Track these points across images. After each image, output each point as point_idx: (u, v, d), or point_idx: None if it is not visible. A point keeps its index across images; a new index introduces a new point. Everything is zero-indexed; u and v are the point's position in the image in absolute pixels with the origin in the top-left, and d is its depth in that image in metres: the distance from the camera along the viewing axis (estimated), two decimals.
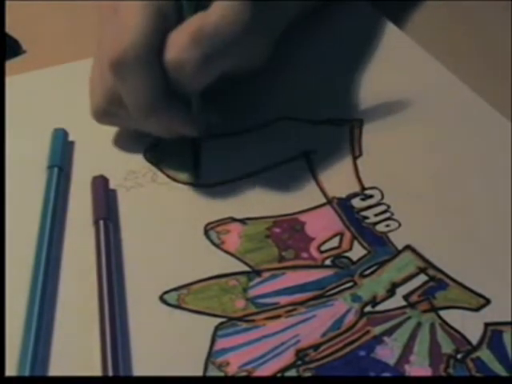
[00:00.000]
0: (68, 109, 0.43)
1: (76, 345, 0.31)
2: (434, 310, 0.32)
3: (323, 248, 0.35)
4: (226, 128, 0.41)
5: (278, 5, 0.40)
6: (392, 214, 0.36)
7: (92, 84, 0.39)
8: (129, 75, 0.34)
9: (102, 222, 0.35)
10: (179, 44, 0.34)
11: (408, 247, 0.34)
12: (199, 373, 0.30)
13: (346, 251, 0.34)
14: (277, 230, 0.36)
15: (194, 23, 0.34)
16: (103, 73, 0.36)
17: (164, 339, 0.31)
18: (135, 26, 0.34)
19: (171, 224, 0.36)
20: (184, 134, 0.38)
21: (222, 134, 0.41)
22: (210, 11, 0.35)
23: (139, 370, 0.30)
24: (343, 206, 0.37)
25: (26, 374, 0.29)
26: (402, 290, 0.32)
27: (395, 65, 0.46)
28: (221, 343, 0.31)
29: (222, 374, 0.29)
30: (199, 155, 0.39)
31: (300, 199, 0.37)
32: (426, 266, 0.33)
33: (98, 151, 0.40)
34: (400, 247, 0.34)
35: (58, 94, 0.45)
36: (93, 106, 0.39)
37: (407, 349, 0.30)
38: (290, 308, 0.32)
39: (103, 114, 0.39)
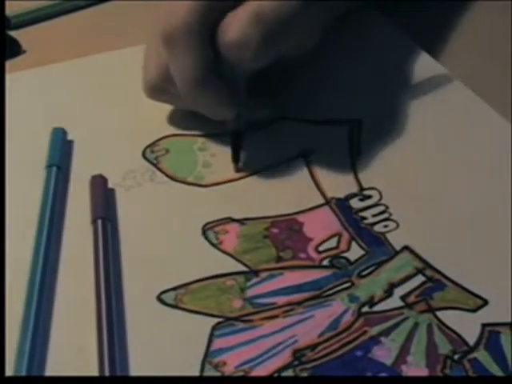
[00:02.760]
0: (67, 108, 0.43)
1: (73, 344, 0.31)
2: (432, 310, 0.32)
3: (321, 248, 0.35)
4: (225, 128, 0.41)
5: None
6: (390, 215, 0.36)
7: (146, 59, 0.40)
8: (178, 49, 0.35)
9: (100, 222, 0.35)
10: (239, 24, 0.35)
11: (406, 248, 0.34)
12: (196, 373, 0.30)
13: (343, 252, 0.34)
14: (275, 230, 0.36)
15: (253, 4, 0.35)
16: (157, 48, 0.37)
17: (161, 339, 0.31)
18: (190, 4, 0.35)
19: (169, 224, 0.36)
20: (227, 117, 0.38)
21: (221, 134, 0.41)
22: None
23: (136, 369, 0.30)
24: (341, 206, 0.37)
25: (23, 373, 0.29)
26: (399, 291, 0.32)
27: (394, 65, 0.46)
28: (218, 343, 0.31)
29: (218, 374, 0.29)
30: (240, 145, 0.39)
31: (298, 199, 0.37)
32: (424, 266, 0.33)
33: (97, 150, 0.40)
34: (398, 248, 0.34)
35: (57, 92, 0.45)
36: (145, 81, 0.40)
37: (404, 349, 0.30)
38: (287, 308, 0.32)
39: (155, 90, 0.40)
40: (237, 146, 0.39)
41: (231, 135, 0.39)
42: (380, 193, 0.37)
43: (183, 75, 0.36)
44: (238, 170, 0.39)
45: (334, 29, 0.45)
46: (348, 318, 0.31)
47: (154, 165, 0.39)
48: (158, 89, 0.39)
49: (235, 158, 0.39)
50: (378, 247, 0.35)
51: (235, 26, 0.35)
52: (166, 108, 0.42)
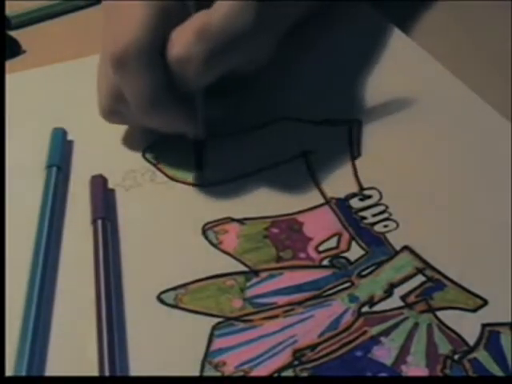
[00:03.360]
0: (67, 108, 0.43)
1: (73, 344, 0.31)
2: (432, 310, 0.32)
3: (321, 248, 0.35)
4: (224, 128, 0.41)
5: (282, 5, 0.40)
6: (390, 215, 0.36)
7: (98, 83, 0.39)
8: (130, 72, 0.34)
9: (100, 222, 0.35)
10: (183, 40, 0.34)
11: (406, 248, 0.34)
12: (196, 373, 0.30)
13: (343, 251, 0.34)
14: (275, 230, 0.36)
15: (198, 20, 0.34)
16: (107, 71, 0.36)
17: (161, 339, 0.31)
18: (137, 23, 0.34)
19: (169, 223, 0.36)
20: (187, 132, 0.38)
21: (220, 134, 0.41)
22: (213, 9, 0.34)
23: (136, 369, 0.30)
24: (341, 206, 0.37)
25: (23, 373, 0.29)
26: (399, 291, 0.32)
27: (394, 65, 0.46)
28: (218, 343, 0.31)
29: (218, 374, 0.29)
30: (202, 154, 0.39)
31: (298, 199, 0.37)
32: (424, 266, 0.33)
33: (97, 151, 0.40)
34: (398, 248, 0.34)
35: (57, 92, 0.45)
36: (100, 105, 0.39)
37: (404, 349, 0.30)
38: (287, 308, 0.32)
39: (110, 113, 0.39)
40: (199, 154, 0.38)
41: (193, 144, 0.38)
42: (380, 193, 0.37)
43: (137, 98, 0.35)
44: (201, 179, 0.38)
45: (332, 30, 0.45)
46: (348, 317, 0.31)
47: (154, 165, 0.39)
48: (114, 111, 0.38)
49: (198, 167, 0.38)
50: (377, 247, 0.35)
51: (179, 43, 0.34)
52: None
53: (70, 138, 0.41)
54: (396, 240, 0.35)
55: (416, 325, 0.31)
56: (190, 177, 0.39)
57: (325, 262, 0.34)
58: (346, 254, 0.34)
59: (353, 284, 0.33)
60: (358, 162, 0.39)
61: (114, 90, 0.37)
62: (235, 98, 0.41)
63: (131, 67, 0.34)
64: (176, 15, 0.35)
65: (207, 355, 0.30)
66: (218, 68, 0.35)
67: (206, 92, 0.37)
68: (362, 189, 0.38)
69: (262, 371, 0.29)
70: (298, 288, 0.33)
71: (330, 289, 0.33)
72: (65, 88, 0.45)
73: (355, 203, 0.37)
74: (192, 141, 0.38)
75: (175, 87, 0.35)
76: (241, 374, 0.29)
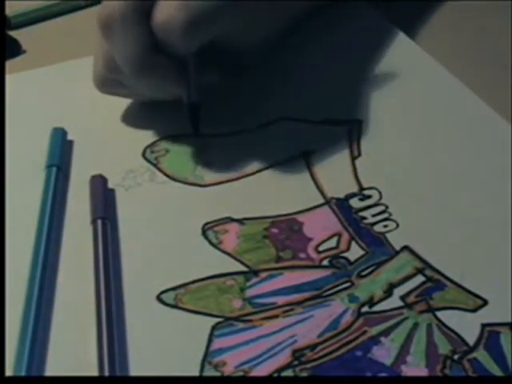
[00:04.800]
0: (67, 108, 0.43)
1: (73, 344, 0.31)
2: (431, 310, 0.32)
3: (321, 248, 0.35)
4: (224, 128, 0.41)
5: None
6: (390, 215, 0.36)
7: (94, 54, 0.40)
8: (116, 33, 0.36)
9: (99, 222, 0.35)
10: (166, 9, 0.35)
11: (406, 248, 0.34)
12: (196, 373, 0.30)
13: (343, 251, 0.34)
14: (275, 230, 0.36)
15: None
16: (99, 39, 0.38)
17: (161, 339, 0.31)
18: None
19: (169, 223, 0.36)
20: (178, 94, 0.39)
21: (220, 134, 0.41)
22: None
23: (136, 369, 0.30)
24: (341, 206, 0.37)
25: (23, 373, 0.29)
26: (399, 291, 0.32)
27: (394, 65, 0.46)
28: (217, 343, 0.31)
29: (218, 374, 0.29)
30: (197, 117, 0.39)
31: (298, 199, 0.37)
32: (424, 266, 0.33)
33: (97, 150, 0.40)
34: (398, 248, 0.34)
35: (57, 92, 0.45)
36: (94, 74, 0.40)
37: (404, 349, 0.30)
38: (287, 308, 0.32)
39: (103, 82, 0.40)
40: (195, 117, 0.39)
41: (188, 108, 0.39)
42: (380, 193, 0.37)
43: (126, 59, 0.36)
44: (198, 136, 0.39)
45: (332, 28, 0.45)
46: (348, 318, 0.31)
47: (154, 165, 0.39)
48: (108, 81, 0.40)
49: (195, 130, 0.39)
50: (377, 247, 0.34)
51: (162, 10, 0.35)
52: (166, 108, 0.42)
53: (69, 138, 0.41)
54: (396, 240, 0.35)
55: (416, 325, 0.31)
56: (190, 177, 0.39)
57: (325, 262, 0.34)
58: (345, 254, 0.34)
59: (353, 284, 0.33)
60: (357, 162, 0.39)
61: (107, 58, 0.38)
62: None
63: (117, 29, 0.36)
64: None
65: (207, 355, 0.30)
66: (200, 35, 0.36)
67: (198, 57, 0.38)
68: (361, 189, 0.38)
69: (261, 371, 0.29)
70: (298, 288, 0.33)
71: (329, 289, 0.33)
72: (65, 88, 0.45)
73: (355, 203, 0.37)
74: (186, 104, 0.39)
75: (164, 51, 0.37)
76: (240, 373, 0.29)
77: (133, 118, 0.43)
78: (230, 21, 0.38)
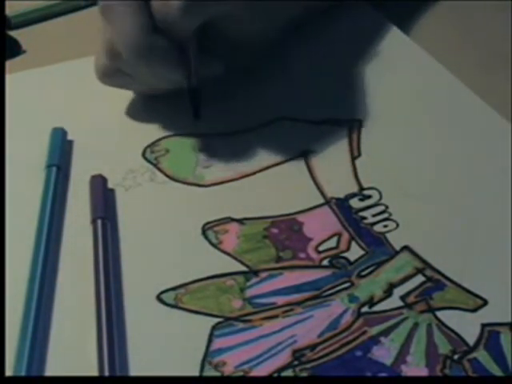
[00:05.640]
0: (67, 108, 0.43)
1: (73, 344, 0.31)
2: (431, 310, 0.32)
3: (321, 248, 0.35)
4: (224, 128, 0.41)
5: None
6: (390, 215, 0.36)
7: (98, 48, 0.40)
8: (116, 15, 0.36)
9: (99, 222, 0.35)
10: None
11: (406, 248, 0.34)
12: (196, 373, 0.30)
13: (343, 251, 0.34)
14: (275, 230, 0.36)
15: None
16: (101, 30, 0.38)
17: (161, 339, 0.31)
18: None
19: (169, 223, 0.36)
20: (178, 80, 0.39)
21: (220, 134, 0.41)
22: None
23: (136, 369, 0.30)
24: (341, 206, 0.37)
25: (23, 373, 0.29)
26: (399, 291, 0.32)
27: (395, 65, 0.46)
28: (217, 343, 0.31)
29: (218, 374, 0.29)
30: (198, 102, 0.40)
31: (298, 199, 0.37)
32: (424, 266, 0.33)
33: (97, 150, 0.40)
34: (398, 248, 0.34)
35: (57, 92, 0.45)
36: (97, 66, 0.40)
37: (404, 349, 0.30)
38: (286, 308, 0.32)
39: (105, 72, 0.40)
40: (196, 102, 0.40)
41: (188, 93, 0.40)
42: (380, 193, 0.37)
43: (125, 41, 0.37)
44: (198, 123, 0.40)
45: (332, 29, 0.45)
46: (347, 318, 0.31)
47: (154, 165, 0.39)
48: (109, 70, 0.40)
49: (195, 115, 0.40)
50: (377, 247, 0.34)
51: None
52: (166, 108, 0.42)
53: (69, 138, 0.41)
54: (396, 240, 0.35)
55: (416, 325, 0.31)
56: (189, 177, 0.39)
57: (324, 262, 0.34)
58: (345, 254, 0.34)
59: (352, 284, 0.33)
60: (357, 162, 0.39)
61: (108, 46, 0.38)
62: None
63: (117, 11, 0.36)
64: None
65: (207, 355, 0.30)
66: (197, 14, 0.37)
67: (198, 44, 0.38)
68: (361, 189, 0.38)
69: (261, 371, 0.29)
70: (298, 288, 0.33)
71: (329, 289, 0.33)
72: (65, 88, 0.45)
73: (355, 203, 0.37)
74: (187, 89, 0.39)
75: (163, 33, 0.37)
76: (240, 373, 0.29)
77: (133, 118, 0.43)
78: (227, 5, 0.38)
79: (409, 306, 0.32)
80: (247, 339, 0.31)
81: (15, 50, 0.48)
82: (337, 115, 0.42)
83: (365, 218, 0.36)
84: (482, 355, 0.30)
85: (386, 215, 0.36)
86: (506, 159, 0.39)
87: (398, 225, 0.35)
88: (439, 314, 0.31)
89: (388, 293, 0.32)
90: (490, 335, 0.30)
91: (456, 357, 0.30)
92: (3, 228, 0.35)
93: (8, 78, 0.45)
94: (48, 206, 0.36)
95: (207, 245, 0.35)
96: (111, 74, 0.40)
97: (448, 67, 0.45)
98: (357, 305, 0.32)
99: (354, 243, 0.35)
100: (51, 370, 0.30)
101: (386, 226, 0.35)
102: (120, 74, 0.40)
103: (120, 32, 0.37)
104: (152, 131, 0.42)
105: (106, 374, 0.29)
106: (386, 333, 0.31)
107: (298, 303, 0.32)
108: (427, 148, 0.40)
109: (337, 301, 0.32)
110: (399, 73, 0.45)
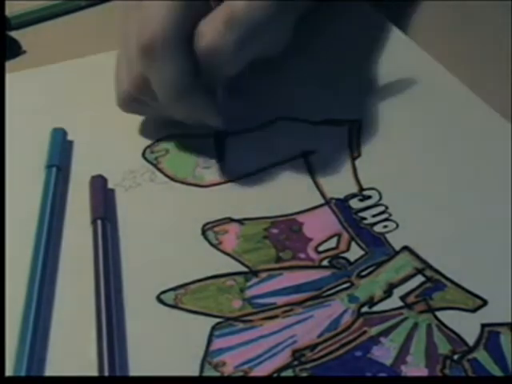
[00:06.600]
0: (67, 108, 0.43)
1: (73, 344, 0.31)
2: (431, 310, 0.32)
3: (321, 249, 0.35)
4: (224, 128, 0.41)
5: None
6: (390, 215, 0.36)
7: (118, 72, 0.40)
8: (157, 59, 0.35)
9: (99, 222, 0.35)
10: (213, 31, 0.35)
11: (406, 248, 0.34)
12: (195, 373, 0.30)
13: (343, 252, 0.34)
14: (274, 230, 0.36)
15: (225, 10, 0.35)
16: (130, 60, 0.37)
17: (161, 339, 0.31)
18: (163, 14, 0.35)
19: (169, 224, 0.36)
20: (208, 124, 0.38)
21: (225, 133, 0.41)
22: None
23: (135, 369, 0.30)
24: (341, 206, 0.37)
25: (23, 374, 0.29)
26: (399, 291, 0.32)
27: (394, 65, 0.46)
28: (217, 343, 0.31)
29: (218, 374, 0.29)
30: (223, 145, 0.39)
31: (298, 200, 0.37)
32: (424, 266, 0.33)
33: (97, 151, 0.40)
34: (398, 248, 0.34)
35: (57, 92, 0.45)
36: (119, 94, 0.40)
37: (404, 349, 0.30)
38: (286, 308, 0.32)
39: (129, 102, 0.39)
40: (220, 145, 0.39)
41: (214, 136, 0.39)
42: (380, 193, 0.37)
43: (165, 86, 0.36)
44: (223, 168, 0.39)
45: (332, 29, 0.45)
46: (347, 318, 0.31)
47: (154, 165, 0.39)
48: (134, 100, 0.39)
49: (220, 158, 0.39)
50: (377, 247, 0.34)
51: (210, 32, 0.35)
52: None
53: (69, 138, 0.41)
54: (396, 240, 0.35)
55: (415, 325, 0.31)
56: (189, 177, 0.39)
57: (324, 263, 0.34)
58: (345, 255, 0.34)
59: (352, 284, 0.33)
60: (357, 162, 0.39)
61: (138, 79, 0.37)
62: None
63: (159, 55, 0.35)
64: (201, 5, 0.36)
65: (207, 355, 0.30)
66: (247, 55, 0.36)
67: (227, 85, 0.38)
68: (361, 189, 0.38)
69: (261, 371, 0.29)
70: (298, 288, 0.33)
71: (329, 289, 0.33)
72: (65, 88, 0.45)
73: (355, 203, 0.37)
74: (213, 132, 0.39)
75: (200, 77, 0.36)
76: (240, 374, 0.29)
77: (133, 118, 0.43)
78: (272, 34, 0.37)
79: (409, 306, 0.32)
80: (247, 339, 0.31)
81: (15, 50, 0.48)
82: (337, 115, 0.42)
83: (365, 218, 0.36)
84: (481, 355, 0.30)
85: (385, 215, 0.36)
86: (506, 159, 0.39)
87: (397, 225, 0.35)
88: (439, 314, 0.31)
89: (388, 293, 0.32)
90: (489, 335, 0.30)
91: (456, 357, 0.30)
92: (3, 228, 0.35)
93: (8, 77, 0.45)
94: (48, 206, 0.36)
95: (207, 245, 0.35)
96: (135, 105, 0.39)
97: (448, 67, 0.45)
98: (357, 305, 0.32)
99: (353, 243, 0.35)
100: (51, 370, 0.30)
101: (385, 227, 0.35)
102: (145, 105, 0.39)
103: (160, 75, 0.35)
104: (152, 131, 0.42)
105: (106, 374, 0.29)
106: (385, 333, 0.31)
107: (298, 303, 0.32)
108: (427, 148, 0.40)
109: (337, 301, 0.32)
110: (399, 73, 0.45)
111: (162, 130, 0.42)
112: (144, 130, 0.42)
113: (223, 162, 0.39)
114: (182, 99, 0.36)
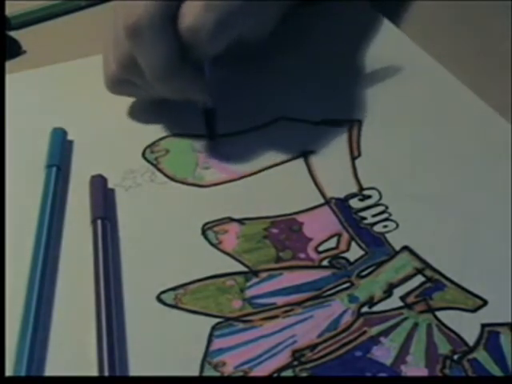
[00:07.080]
0: (67, 108, 0.43)
1: (73, 344, 0.31)
2: (431, 310, 0.32)
3: (321, 248, 0.35)
4: (224, 128, 0.41)
5: None
6: (390, 215, 0.36)
7: (105, 52, 0.40)
8: (144, 40, 0.36)
9: (99, 222, 0.35)
10: (193, 11, 0.36)
11: (405, 248, 0.34)
12: (195, 373, 0.30)
13: (343, 252, 0.34)
14: (274, 230, 0.36)
15: None
16: (117, 41, 0.38)
17: (160, 339, 0.31)
18: None
19: (169, 224, 0.36)
20: (197, 99, 0.39)
21: (220, 135, 0.41)
22: None
23: (135, 369, 0.30)
24: (341, 206, 0.37)
25: (23, 374, 0.29)
26: (399, 291, 0.32)
27: (394, 65, 0.46)
28: (217, 343, 0.31)
29: (218, 374, 0.29)
30: (213, 122, 0.40)
31: (298, 200, 0.37)
32: (424, 266, 0.33)
33: (97, 150, 0.40)
34: (397, 248, 0.34)
35: (57, 92, 0.45)
36: (107, 75, 0.40)
37: (404, 349, 0.30)
38: (286, 308, 0.32)
39: (117, 82, 0.40)
40: (211, 122, 0.40)
41: (204, 113, 0.40)
42: (380, 193, 0.37)
43: (153, 65, 0.37)
44: (214, 142, 0.40)
45: (335, 29, 0.45)
46: (347, 318, 0.31)
47: (154, 165, 0.39)
48: (120, 81, 0.40)
49: (211, 136, 0.40)
50: (377, 247, 0.34)
51: (190, 14, 0.36)
52: (166, 108, 0.42)
53: (69, 138, 0.41)
54: (395, 240, 0.35)
55: (415, 325, 0.31)
56: (189, 177, 0.39)
57: (324, 263, 0.34)
58: (345, 255, 0.34)
59: (352, 284, 0.33)
60: (357, 162, 0.39)
61: (125, 59, 0.38)
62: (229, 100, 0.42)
63: (145, 36, 0.36)
64: None
65: (207, 355, 0.30)
66: (227, 35, 0.37)
67: (213, 60, 0.38)
68: (361, 189, 0.38)
69: (261, 371, 0.29)
70: (298, 288, 0.33)
71: (329, 289, 0.33)
72: (65, 88, 0.45)
73: (355, 203, 0.37)
74: (203, 109, 0.39)
75: (187, 56, 0.37)
76: (240, 374, 0.29)
77: (133, 118, 0.43)
78: (255, 18, 0.38)
79: (409, 306, 0.32)
80: (247, 339, 0.31)
81: (15, 50, 0.48)
82: (337, 115, 0.42)
83: (365, 218, 0.36)
84: (481, 355, 0.30)
85: (385, 215, 0.36)
86: (506, 159, 0.39)
87: (397, 225, 0.35)
88: (439, 314, 0.31)
89: (388, 293, 0.32)
90: (489, 335, 0.30)
91: (456, 357, 0.30)
92: (3, 228, 0.35)
93: (8, 77, 0.45)
94: (48, 205, 0.36)
95: (207, 245, 0.35)
96: (122, 85, 0.40)
97: (448, 67, 0.45)
98: (357, 305, 0.32)
99: (353, 243, 0.35)
100: (51, 370, 0.30)
101: (385, 227, 0.35)
102: (131, 84, 0.40)
103: (147, 54, 0.36)
104: (152, 131, 0.42)
105: (106, 374, 0.29)
106: (385, 333, 0.31)
107: (298, 303, 0.32)
108: (427, 148, 0.40)
109: (337, 301, 0.32)
110: (399, 73, 0.45)
111: (162, 129, 0.42)
112: (144, 130, 0.42)
113: (215, 140, 0.40)
114: (169, 76, 0.37)
